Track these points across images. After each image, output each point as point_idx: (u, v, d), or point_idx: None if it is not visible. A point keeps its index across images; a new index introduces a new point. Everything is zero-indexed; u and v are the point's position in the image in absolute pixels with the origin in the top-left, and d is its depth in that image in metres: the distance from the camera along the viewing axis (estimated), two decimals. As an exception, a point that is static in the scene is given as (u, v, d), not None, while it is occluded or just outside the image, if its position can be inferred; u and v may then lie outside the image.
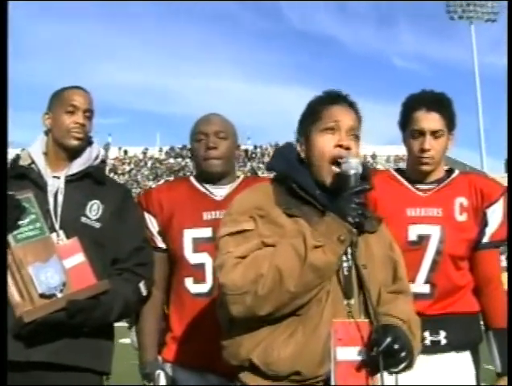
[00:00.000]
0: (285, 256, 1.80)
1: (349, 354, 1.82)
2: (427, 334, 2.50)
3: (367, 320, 1.88)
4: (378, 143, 46.26)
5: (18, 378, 2.33)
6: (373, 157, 46.82)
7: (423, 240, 2.53)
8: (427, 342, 2.50)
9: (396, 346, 1.78)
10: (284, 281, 1.77)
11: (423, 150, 2.53)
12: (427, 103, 2.54)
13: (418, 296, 2.49)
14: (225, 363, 1.96)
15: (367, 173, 1.99)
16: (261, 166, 41.07)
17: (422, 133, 2.54)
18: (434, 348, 2.51)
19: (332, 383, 1.81)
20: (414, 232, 2.53)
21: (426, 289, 2.52)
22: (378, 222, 2.11)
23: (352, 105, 2.05)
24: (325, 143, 1.97)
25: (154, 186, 2.95)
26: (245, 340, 1.87)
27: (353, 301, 1.90)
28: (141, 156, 46.44)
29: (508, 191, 2.61)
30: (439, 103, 2.57)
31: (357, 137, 2.01)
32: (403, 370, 1.84)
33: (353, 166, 1.89)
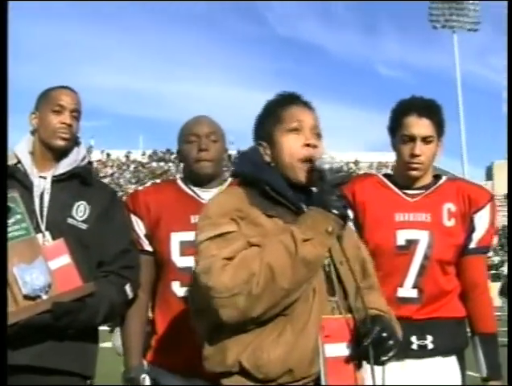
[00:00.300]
0: (275, 253, 1.78)
1: (338, 350, 1.84)
2: (414, 338, 2.52)
3: (350, 315, 1.90)
4: (361, 149, 46.65)
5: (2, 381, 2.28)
6: (356, 163, 47.11)
7: (411, 244, 2.54)
8: (414, 346, 2.52)
9: (385, 335, 1.83)
10: (277, 279, 1.75)
11: (413, 156, 2.54)
12: (418, 109, 2.55)
13: (405, 300, 2.52)
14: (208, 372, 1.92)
15: (342, 169, 1.98)
16: (244, 170, 41.00)
17: (412, 139, 2.55)
18: (421, 352, 2.52)
19: (323, 381, 1.80)
20: (402, 237, 2.54)
21: (413, 293, 2.53)
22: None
23: (309, 105, 2.07)
24: (292, 144, 1.98)
25: (136, 189, 2.92)
26: (231, 345, 1.83)
27: (336, 298, 1.91)
28: (123, 159, 46.27)
29: (508, 191, 2.62)
30: (430, 109, 2.58)
31: (319, 136, 2.02)
32: (391, 357, 1.87)
33: (326, 161, 1.91)
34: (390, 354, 1.85)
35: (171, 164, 46.24)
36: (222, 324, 1.81)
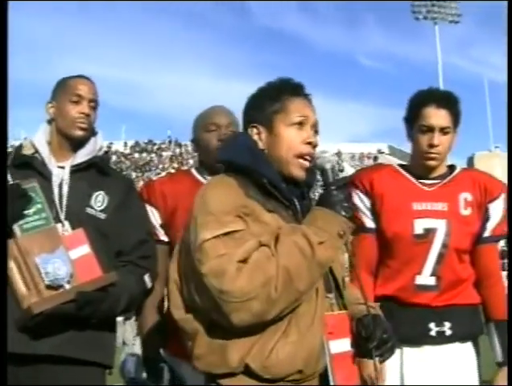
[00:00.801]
0: (290, 255, 1.71)
1: (341, 346, 1.85)
2: (432, 325, 2.56)
3: (346, 311, 1.91)
4: (343, 140, 46.72)
5: (24, 371, 2.29)
6: (339, 154, 47.21)
7: (429, 233, 2.57)
8: (433, 333, 2.56)
9: (385, 336, 1.86)
10: (294, 281, 1.70)
11: (431, 146, 2.57)
12: (437, 100, 2.58)
13: (424, 288, 2.56)
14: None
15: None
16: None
17: (431, 129, 2.57)
18: (439, 339, 2.56)
19: (331, 379, 1.81)
20: (420, 226, 2.57)
21: (432, 281, 2.57)
22: None
23: (310, 98, 2.00)
24: (293, 138, 1.90)
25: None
26: (232, 345, 1.74)
27: (332, 294, 1.91)
28: (105, 149, 45.91)
29: (508, 190, 2.66)
30: (449, 100, 2.61)
31: (317, 133, 1.98)
32: (390, 357, 1.92)
33: (327, 160, 1.89)
34: (390, 353, 1.90)
35: (153, 155, 46.02)
36: (221, 324, 1.73)
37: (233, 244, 1.71)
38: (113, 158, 44.65)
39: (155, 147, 47.34)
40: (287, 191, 1.89)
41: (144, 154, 45.82)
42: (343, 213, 1.80)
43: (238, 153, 1.92)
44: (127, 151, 46.27)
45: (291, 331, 1.76)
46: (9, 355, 2.23)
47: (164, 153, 46.33)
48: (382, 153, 44.44)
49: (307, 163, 1.91)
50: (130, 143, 47.49)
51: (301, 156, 1.90)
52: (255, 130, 1.95)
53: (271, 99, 1.95)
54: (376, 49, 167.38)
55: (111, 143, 46.30)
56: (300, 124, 1.91)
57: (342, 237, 1.80)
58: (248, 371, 1.74)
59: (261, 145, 1.93)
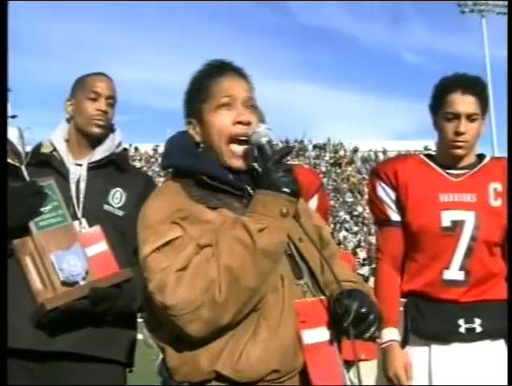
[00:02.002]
0: (231, 252, 1.58)
1: (316, 335, 1.68)
2: (461, 321, 2.46)
3: (325, 296, 1.74)
4: (389, 138, 46.21)
5: (40, 368, 2.30)
6: (384, 152, 46.69)
7: (457, 225, 2.47)
8: (462, 329, 2.46)
9: (364, 310, 1.66)
10: (240, 279, 1.56)
11: (457, 134, 2.47)
12: (462, 85, 2.48)
13: (452, 283, 2.46)
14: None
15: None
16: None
17: (457, 116, 2.47)
18: (469, 336, 2.46)
19: (308, 370, 1.64)
20: (447, 218, 2.47)
21: (460, 275, 2.47)
22: None
23: (241, 73, 1.85)
24: (222, 121, 1.76)
25: (163, 181, 2.88)
26: (202, 353, 1.62)
27: (305, 279, 1.75)
28: (151, 152, 46.54)
29: (508, 189, 2.53)
30: (475, 86, 2.51)
31: (253, 108, 1.82)
32: (374, 333, 1.70)
33: (262, 134, 1.71)
34: (372, 329, 1.68)
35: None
36: (186, 337, 1.61)
37: (173, 254, 1.61)
38: (159, 160, 45.30)
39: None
40: (235, 181, 1.77)
41: (189, 156, 46.27)
42: (284, 189, 1.62)
43: (175, 156, 1.83)
44: (172, 153, 46.77)
45: (261, 329, 1.62)
46: (25, 352, 2.25)
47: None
48: (429, 150, 43.75)
49: (239, 149, 1.76)
50: (176, 145, 47.98)
51: (235, 139, 1.76)
52: (191, 126, 1.84)
53: (196, 88, 1.84)
54: (420, 44, 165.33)
55: (157, 146, 46.91)
56: (227, 104, 1.77)
57: (286, 216, 1.63)
58: (221, 377, 1.62)
59: (198, 139, 1.82)
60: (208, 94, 1.79)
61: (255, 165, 1.82)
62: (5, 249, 2.23)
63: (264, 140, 1.70)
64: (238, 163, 1.77)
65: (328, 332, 1.69)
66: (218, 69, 1.83)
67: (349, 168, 45.02)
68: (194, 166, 1.76)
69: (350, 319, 1.63)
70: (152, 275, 1.61)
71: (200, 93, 1.82)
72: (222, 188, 1.74)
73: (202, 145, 1.81)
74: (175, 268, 1.58)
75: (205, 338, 1.60)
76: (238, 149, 1.77)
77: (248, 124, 1.76)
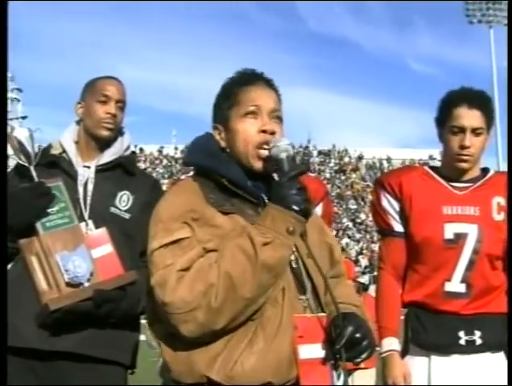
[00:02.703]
0: (233, 260, 1.61)
1: (312, 351, 1.68)
2: (461, 333, 2.47)
3: (325, 313, 1.74)
4: (394, 146, 46.16)
5: (41, 367, 2.31)
6: (388, 160, 46.64)
7: (459, 238, 2.48)
8: (462, 341, 2.47)
9: (358, 335, 1.66)
10: (237, 288, 1.58)
11: (463, 147, 2.49)
12: (468, 99, 2.50)
13: (453, 295, 2.48)
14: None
15: (294, 155, 1.84)
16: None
17: (462, 130, 2.49)
18: (469, 348, 2.47)
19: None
20: (450, 230, 2.49)
21: (462, 288, 2.48)
22: None
23: (270, 84, 1.89)
24: (248, 129, 1.80)
25: (167, 183, 2.90)
26: (197, 356, 1.64)
27: (308, 295, 1.76)
28: (156, 154, 46.59)
29: (508, 189, 2.55)
30: (481, 100, 2.53)
31: (279, 119, 1.86)
32: (366, 359, 1.70)
33: (282, 149, 1.73)
34: (364, 355, 1.68)
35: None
36: (180, 337, 1.64)
37: (180, 253, 1.65)
38: (164, 161, 45.34)
39: (205, 151, 47.72)
40: (253, 188, 1.80)
41: (194, 159, 46.26)
42: (294, 207, 1.65)
43: (197, 155, 1.89)
44: (177, 155, 46.79)
45: (257, 339, 1.64)
46: (29, 351, 2.27)
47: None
48: (434, 159, 43.73)
49: (264, 152, 1.79)
50: (181, 147, 48.02)
51: (259, 146, 1.79)
52: (216, 131, 1.88)
53: (225, 95, 1.89)
54: (427, 54, 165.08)
55: (162, 147, 47.01)
56: (254, 113, 1.82)
57: (292, 234, 1.65)
58: (213, 384, 1.63)
59: (223, 144, 1.86)
60: (236, 101, 1.84)
61: (275, 175, 1.85)
62: (5, 249, 2.25)
63: (283, 155, 1.73)
64: (258, 165, 1.80)
65: (323, 350, 1.70)
66: (248, 78, 1.88)
67: (354, 175, 44.99)
68: (214, 167, 1.80)
69: (342, 342, 1.64)
70: (155, 270, 1.65)
71: (228, 100, 1.86)
72: (239, 193, 1.77)
73: (227, 150, 1.85)
74: (178, 268, 1.62)
75: (201, 341, 1.63)
76: (262, 152, 1.80)
77: (272, 133, 1.79)
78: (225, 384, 1.61)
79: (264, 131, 1.80)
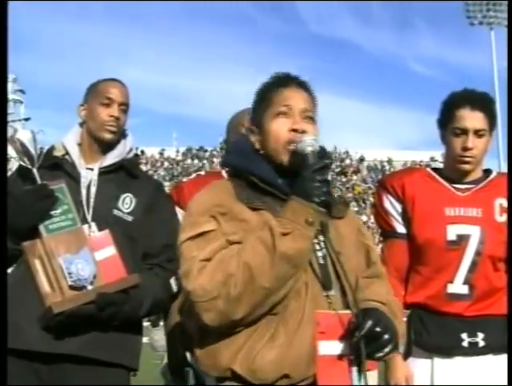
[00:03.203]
0: (253, 251, 1.67)
1: (333, 348, 1.69)
2: (464, 335, 2.47)
3: (349, 311, 1.74)
4: (395, 148, 46.12)
5: (44, 370, 2.31)
6: (389, 162, 46.63)
7: (462, 240, 2.48)
8: (465, 343, 2.47)
9: (378, 329, 1.66)
10: (256, 278, 1.63)
11: (465, 149, 2.49)
12: (471, 101, 2.50)
13: (456, 297, 2.48)
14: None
15: (325, 151, 1.86)
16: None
17: (465, 132, 2.49)
18: (472, 350, 2.47)
19: (318, 381, 1.67)
20: (453, 232, 2.49)
21: (464, 289, 2.48)
22: (345, 207, 2.00)
23: (303, 86, 1.94)
24: (279, 128, 1.86)
25: (179, 182, 2.90)
26: (222, 349, 1.71)
27: (333, 292, 1.77)
28: (157, 156, 46.60)
29: (508, 189, 2.55)
30: (484, 102, 2.53)
31: (311, 119, 1.90)
32: (388, 354, 1.69)
33: (308, 144, 1.78)
34: (386, 350, 1.68)
35: (205, 161, 46.42)
36: (206, 327, 1.71)
37: (205, 245, 1.72)
38: (165, 164, 45.34)
39: (207, 154, 47.72)
40: (283, 185, 1.84)
41: (196, 161, 46.26)
42: (314, 199, 1.70)
43: (232, 157, 2.00)
44: (179, 158, 46.83)
45: (279, 333, 1.69)
46: (32, 353, 2.27)
47: (216, 160, 46.66)
48: (436, 160, 43.70)
49: (291, 147, 1.84)
50: (182, 150, 48.03)
51: (288, 143, 1.84)
52: (252, 133, 1.95)
53: (259, 98, 1.96)
54: (428, 55, 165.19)
55: (163, 149, 47.01)
56: (285, 113, 1.87)
57: (311, 225, 1.69)
58: (237, 377, 1.69)
59: (257, 146, 1.92)
60: (269, 103, 1.90)
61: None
62: (5, 250, 2.25)
63: (309, 149, 1.77)
64: (287, 160, 1.85)
65: (344, 347, 1.70)
66: (280, 80, 1.94)
67: (355, 177, 44.98)
68: (245, 166, 1.89)
69: (359, 335, 1.64)
70: (183, 261, 1.75)
71: (262, 102, 1.93)
72: (269, 191, 1.83)
73: (261, 152, 1.91)
74: (201, 258, 1.70)
75: (223, 331, 1.70)
76: (291, 148, 1.84)
77: (302, 132, 1.84)
78: (246, 377, 1.68)
79: (295, 130, 1.84)
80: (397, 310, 1.86)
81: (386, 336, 1.67)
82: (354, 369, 1.70)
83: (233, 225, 1.75)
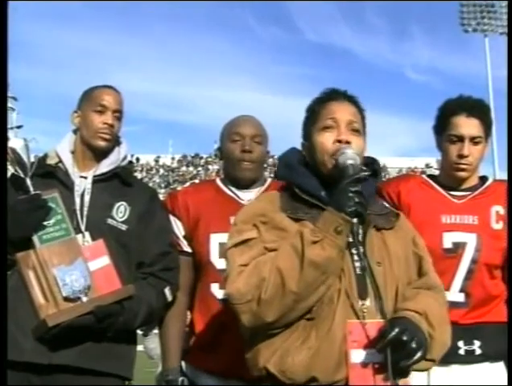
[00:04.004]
0: (284, 257, 1.77)
1: (364, 356, 1.75)
2: (461, 343, 2.46)
3: (382, 320, 1.77)
4: (390, 155, 46.24)
5: (38, 381, 2.28)
6: (384, 169, 46.70)
7: (458, 247, 2.48)
8: (461, 351, 2.46)
9: (405, 337, 1.68)
10: (286, 282, 1.73)
11: (461, 156, 2.49)
12: (467, 108, 2.50)
13: (452, 304, 2.44)
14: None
15: (378, 166, 2.00)
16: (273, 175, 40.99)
17: (461, 139, 2.49)
18: (468, 358, 2.46)
19: None
20: (449, 240, 2.48)
21: (460, 297, 2.47)
22: (396, 217, 2.04)
23: (349, 99, 2.01)
24: (325, 140, 1.94)
25: (175, 190, 2.89)
26: (262, 349, 1.83)
27: (368, 302, 1.82)
28: (153, 164, 46.58)
29: (508, 190, 2.55)
30: (480, 109, 2.54)
31: (357, 132, 1.96)
32: (416, 363, 1.72)
33: (349, 156, 1.85)
34: (414, 358, 1.71)
35: (200, 168, 46.45)
36: (247, 328, 1.83)
37: (245, 252, 1.84)
38: (161, 171, 45.34)
39: (202, 161, 47.75)
40: (325, 197, 1.90)
41: (191, 168, 46.27)
42: (346, 209, 1.76)
43: (280, 169, 2.07)
44: (174, 165, 46.83)
45: (310, 338, 1.77)
46: (26, 364, 2.25)
47: (211, 167, 46.71)
48: (431, 167, 43.82)
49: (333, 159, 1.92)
50: (178, 157, 48.05)
51: (333, 154, 1.91)
52: (304, 148, 2.04)
53: (308, 113, 2.04)
54: (423, 62, 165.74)
55: (158, 157, 47.02)
56: (330, 126, 1.94)
57: (340, 234, 1.76)
58: (271, 376, 1.80)
59: (308, 159, 2.01)
60: (316, 117, 1.99)
61: None
62: (5, 249, 2.23)
63: (349, 162, 1.84)
64: (329, 171, 1.92)
65: (375, 355, 1.74)
66: (327, 95, 2.04)
67: (350, 183, 44.94)
68: (290, 178, 1.99)
69: (384, 343, 1.68)
70: (227, 266, 1.89)
71: (310, 117, 2.03)
72: (313, 203, 1.90)
73: (310, 164, 1.99)
74: (240, 263, 1.82)
75: (261, 333, 1.82)
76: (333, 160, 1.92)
77: (347, 143, 1.91)
78: (278, 376, 1.78)
79: (339, 141, 1.91)
80: (437, 322, 1.85)
81: (413, 345, 1.70)
82: (384, 377, 1.74)
83: (272, 234, 1.86)
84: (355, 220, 1.80)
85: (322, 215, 1.80)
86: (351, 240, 1.83)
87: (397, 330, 1.68)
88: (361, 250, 1.86)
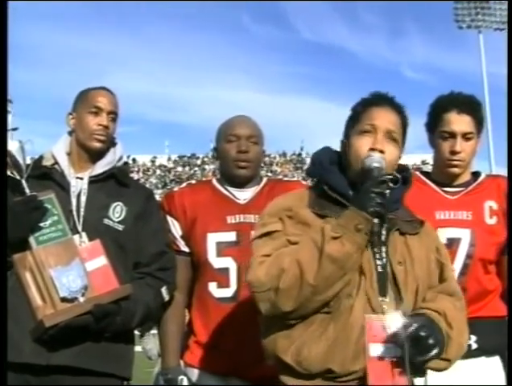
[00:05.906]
0: (305, 250, 1.82)
1: (383, 350, 1.80)
2: None
3: (402, 316, 1.83)
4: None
5: (36, 381, 2.29)
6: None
7: (453, 243, 2.48)
8: None
9: (423, 333, 1.74)
10: (304, 274, 1.79)
11: (453, 152, 2.50)
12: (458, 105, 2.51)
13: None
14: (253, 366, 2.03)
15: (409, 175, 2.06)
16: (269, 174, 41.02)
17: (453, 135, 2.51)
18: (464, 353, 2.45)
19: (368, 381, 1.78)
20: (443, 236, 2.47)
21: None
22: (420, 224, 2.07)
23: (393, 107, 2.02)
24: (361, 145, 1.96)
25: (170, 191, 2.90)
26: (280, 339, 1.89)
27: (387, 299, 1.87)
28: (149, 164, 46.56)
29: (508, 190, 2.56)
30: (471, 105, 2.55)
31: (394, 141, 1.98)
32: (432, 359, 1.78)
33: (375, 160, 1.89)
34: (430, 354, 1.76)
35: (196, 168, 46.45)
36: (266, 317, 1.89)
37: (269, 243, 1.91)
38: (158, 171, 45.31)
39: (198, 161, 47.75)
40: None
41: (187, 168, 46.27)
42: (366, 208, 1.82)
43: (311, 167, 2.11)
44: (171, 165, 46.82)
45: (328, 330, 1.83)
46: (24, 365, 2.25)
47: (207, 167, 46.70)
48: (427, 164, 43.82)
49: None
50: (174, 157, 48.04)
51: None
52: (343, 146, 2.05)
53: (352, 114, 2.06)
54: (419, 59, 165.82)
55: (155, 157, 47.01)
56: (369, 132, 1.96)
57: (359, 231, 1.81)
58: (287, 367, 1.86)
59: (343, 156, 2.04)
60: (357, 119, 2.01)
61: None
62: (5, 249, 2.23)
63: (375, 165, 1.89)
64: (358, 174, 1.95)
65: (392, 350, 1.80)
66: (372, 99, 2.05)
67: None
68: (320, 176, 2.03)
69: (403, 337, 1.74)
70: (252, 256, 1.92)
71: (352, 118, 2.04)
72: (340, 201, 1.94)
73: (345, 163, 2.02)
74: (262, 254, 1.88)
75: (285, 326, 1.87)
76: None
77: (381, 152, 1.93)
78: (294, 366, 1.84)
79: (374, 149, 1.93)
80: (455, 323, 1.90)
81: (431, 341, 1.75)
82: (401, 371, 1.79)
83: (296, 228, 1.92)
84: (376, 220, 1.86)
85: (344, 213, 1.86)
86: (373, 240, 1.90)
87: (416, 325, 1.74)
88: (384, 249, 1.92)
